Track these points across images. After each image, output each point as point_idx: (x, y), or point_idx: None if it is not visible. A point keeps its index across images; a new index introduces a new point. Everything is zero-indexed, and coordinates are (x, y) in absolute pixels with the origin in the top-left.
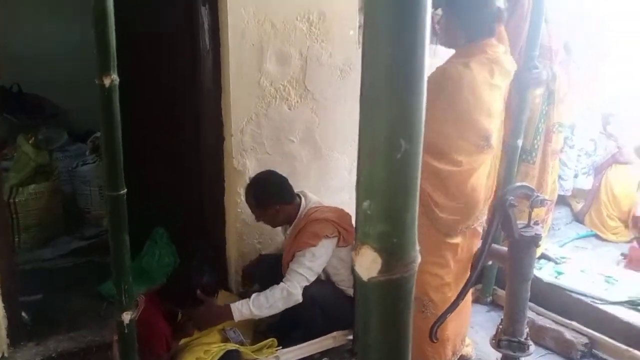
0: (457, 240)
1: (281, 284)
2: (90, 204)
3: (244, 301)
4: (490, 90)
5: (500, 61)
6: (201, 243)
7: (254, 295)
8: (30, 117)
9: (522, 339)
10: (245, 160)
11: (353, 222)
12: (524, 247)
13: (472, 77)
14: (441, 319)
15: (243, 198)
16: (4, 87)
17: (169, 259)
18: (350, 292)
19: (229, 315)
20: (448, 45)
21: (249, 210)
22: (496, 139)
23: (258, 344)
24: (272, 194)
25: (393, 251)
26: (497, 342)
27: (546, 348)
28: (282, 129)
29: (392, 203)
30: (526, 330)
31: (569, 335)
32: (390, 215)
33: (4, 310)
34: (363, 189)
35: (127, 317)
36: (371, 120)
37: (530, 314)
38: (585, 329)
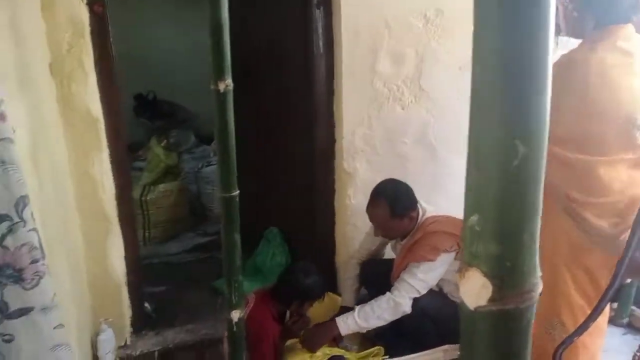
0: (594, 263)
1: (387, 293)
2: (213, 202)
3: (349, 314)
4: (626, 72)
5: (637, 44)
6: (311, 244)
7: (359, 306)
8: (163, 122)
9: None
10: (355, 163)
11: None
12: None
13: (600, 60)
14: (567, 340)
15: (353, 201)
16: (141, 95)
17: (281, 258)
18: None
19: (335, 329)
20: (575, 34)
21: (359, 214)
22: None
23: (364, 352)
24: (407, 202)
25: (506, 277)
26: None
27: None
28: (394, 131)
29: (506, 219)
30: None
31: None
32: (504, 234)
33: (129, 300)
34: (471, 200)
35: (235, 315)
36: (481, 120)
37: None
38: None
